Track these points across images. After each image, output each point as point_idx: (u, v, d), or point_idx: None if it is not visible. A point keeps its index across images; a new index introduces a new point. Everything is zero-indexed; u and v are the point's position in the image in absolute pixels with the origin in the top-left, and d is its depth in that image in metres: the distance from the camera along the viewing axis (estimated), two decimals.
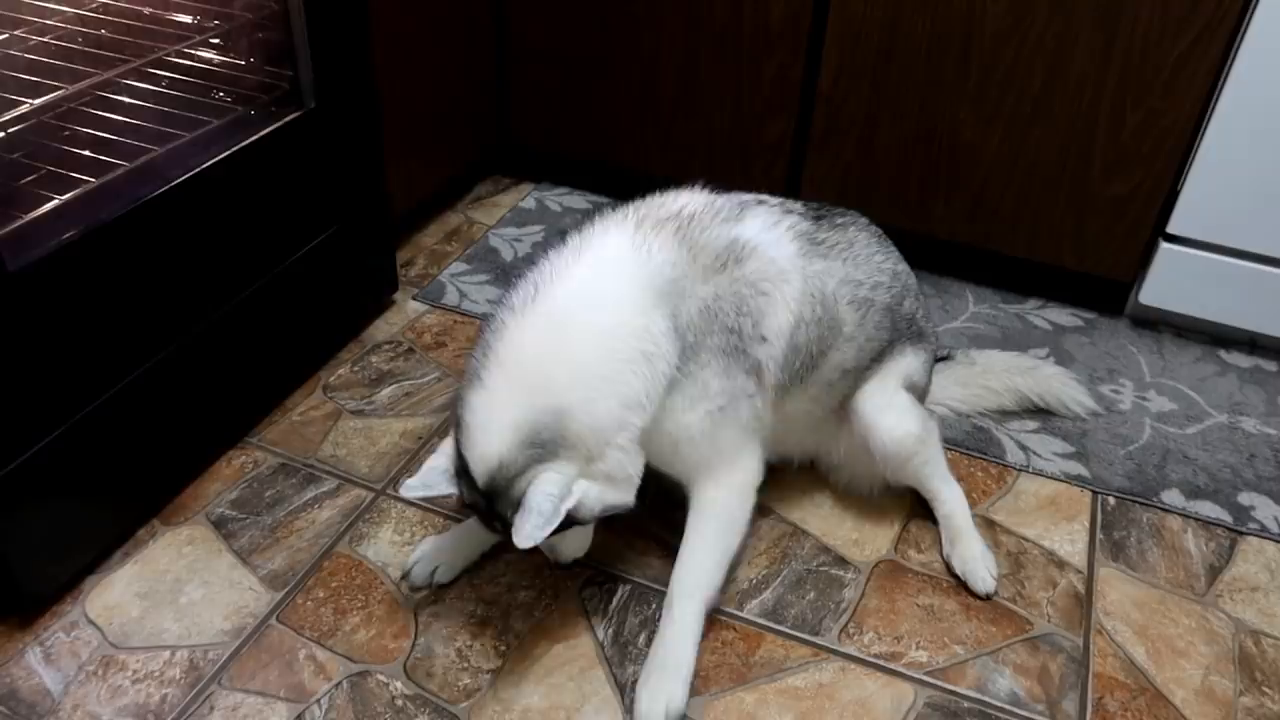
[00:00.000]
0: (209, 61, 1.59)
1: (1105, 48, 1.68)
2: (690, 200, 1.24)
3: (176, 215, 1.34)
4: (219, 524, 1.43)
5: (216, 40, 1.60)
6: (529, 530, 1.05)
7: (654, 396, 1.14)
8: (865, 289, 1.33)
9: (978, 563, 1.40)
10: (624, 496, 1.16)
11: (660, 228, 1.19)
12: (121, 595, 1.32)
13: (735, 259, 1.19)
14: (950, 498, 1.45)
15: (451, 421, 1.15)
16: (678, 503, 1.48)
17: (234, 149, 1.42)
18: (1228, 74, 1.65)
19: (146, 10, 1.59)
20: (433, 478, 1.18)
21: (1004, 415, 1.69)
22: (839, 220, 1.36)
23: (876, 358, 1.38)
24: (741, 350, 1.19)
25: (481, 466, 1.10)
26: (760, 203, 1.30)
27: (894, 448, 1.38)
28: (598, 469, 1.12)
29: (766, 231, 1.24)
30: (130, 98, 1.48)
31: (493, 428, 1.09)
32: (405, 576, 1.35)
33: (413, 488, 1.18)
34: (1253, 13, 1.59)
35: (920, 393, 1.47)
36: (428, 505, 1.47)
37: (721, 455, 1.24)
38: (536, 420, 1.08)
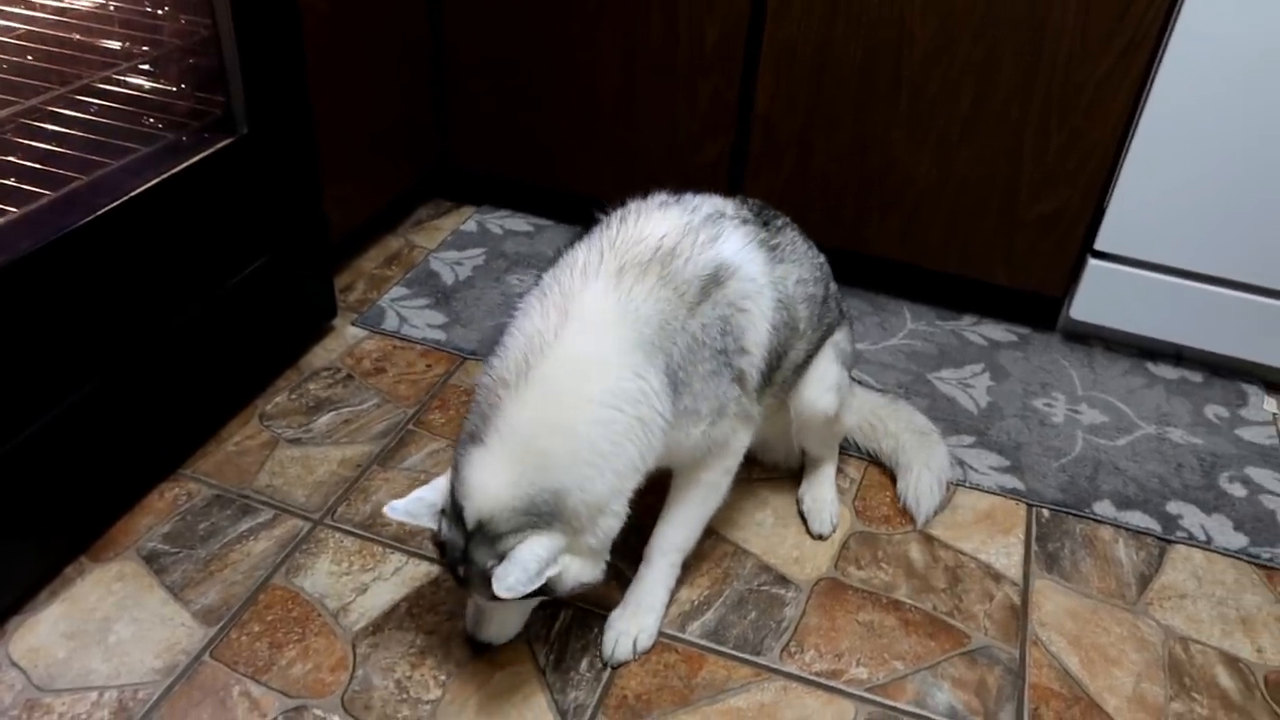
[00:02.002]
0: (138, 88, 1.57)
1: (1029, 69, 1.73)
2: (665, 227, 1.20)
3: (104, 244, 1.31)
4: (150, 559, 1.40)
5: (146, 66, 1.58)
6: (511, 582, 1.05)
7: (649, 456, 1.14)
8: (810, 285, 1.36)
9: (825, 507, 1.53)
10: (596, 572, 1.17)
11: (644, 273, 1.15)
12: (47, 636, 1.28)
13: (717, 283, 1.19)
14: (830, 456, 1.57)
15: (451, 466, 1.15)
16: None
17: (164, 176, 1.40)
18: (1148, 95, 1.71)
19: (74, 37, 1.57)
20: (418, 509, 1.17)
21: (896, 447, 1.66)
22: (778, 222, 1.38)
23: (817, 345, 1.42)
24: (727, 365, 1.20)
25: (474, 515, 1.10)
26: (722, 215, 1.28)
27: (810, 417, 1.44)
28: (584, 542, 1.12)
29: (742, 250, 1.24)
30: (56, 125, 1.45)
31: (490, 489, 1.09)
32: None
33: (396, 510, 1.17)
34: (1170, 36, 1.65)
35: (849, 360, 1.51)
36: (367, 535, 1.46)
37: (714, 445, 1.26)
38: (535, 496, 1.08)
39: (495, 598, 1.09)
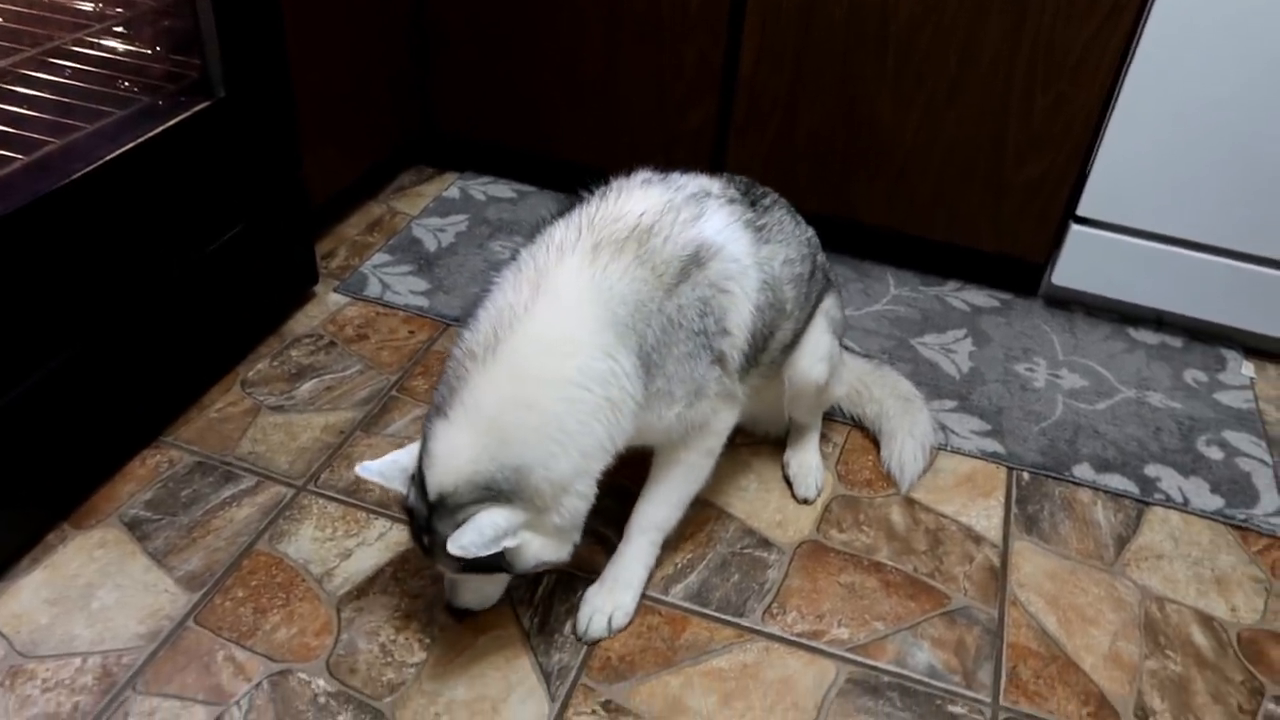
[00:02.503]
0: (112, 50, 1.54)
1: (1015, 31, 1.72)
2: (645, 204, 1.18)
3: (79, 209, 1.30)
4: (133, 526, 1.39)
5: (119, 28, 1.55)
6: (465, 542, 1.04)
7: (618, 437, 1.13)
8: (797, 265, 1.34)
9: (811, 472, 1.54)
10: (561, 553, 1.16)
11: (620, 250, 1.13)
12: (30, 603, 1.28)
13: (698, 263, 1.16)
14: (815, 422, 1.59)
15: (420, 437, 1.14)
16: (603, 491, 1.49)
17: (139, 140, 1.37)
18: (1132, 59, 1.70)
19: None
20: (392, 471, 1.16)
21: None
22: (765, 201, 1.36)
23: (807, 321, 1.41)
24: (706, 347, 1.18)
25: (435, 488, 1.09)
26: (707, 194, 1.26)
27: (802, 387, 1.44)
28: (549, 521, 1.11)
29: (726, 229, 1.21)
30: (27, 88, 1.42)
31: (452, 464, 1.08)
32: None
33: (369, 470, 1.16)
34: (1152, 5, 1.64)
35: (839, 328, 1.50)
36: (350, 500, 1.46)
37: (693, 426, 1.25)
38: (496, 473, 1.07)
39: (458, 568, 1.09)
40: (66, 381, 1.33)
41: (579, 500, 1.13)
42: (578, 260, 1.12)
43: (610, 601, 1.31)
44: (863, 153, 1.92)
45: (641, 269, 1.13)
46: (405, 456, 1.17)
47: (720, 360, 1.22)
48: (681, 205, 1.20)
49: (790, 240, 1.34)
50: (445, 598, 1.30)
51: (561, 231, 1.17)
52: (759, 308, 1.24)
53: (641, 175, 1.26)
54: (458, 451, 1.08)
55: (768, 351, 1.32)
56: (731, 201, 1.27)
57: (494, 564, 1.10)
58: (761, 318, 1.25)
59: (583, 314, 1.10)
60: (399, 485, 1.16)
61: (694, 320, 1.16)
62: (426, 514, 1.11)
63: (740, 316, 1.22)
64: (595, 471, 1.13)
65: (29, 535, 1.35)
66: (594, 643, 1.30)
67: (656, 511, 1.32)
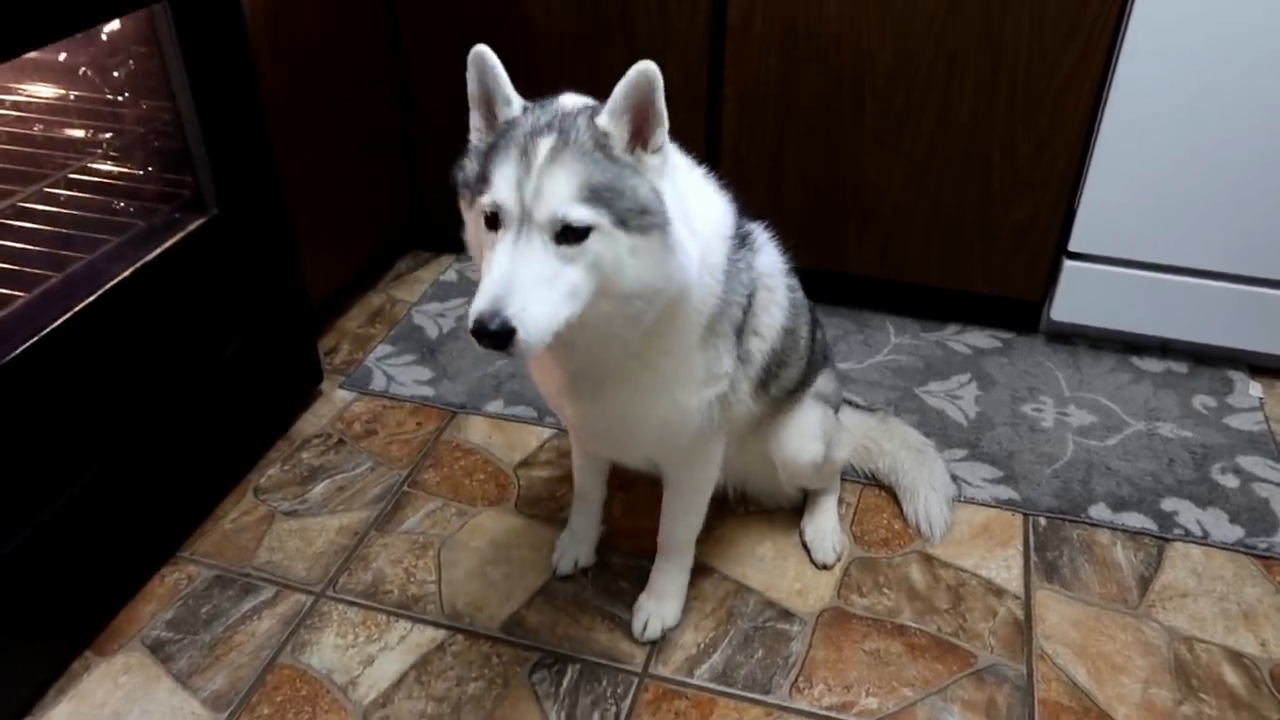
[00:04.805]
0: (106, 174, 1.57)
1: (990, 82, 1.74)
2: None
3: (84, 339, 1.32)
4: (155, 648, 1.40)
5: (113, 153, 1.58)
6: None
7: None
8: (809, 313, 1.40)
9: (827, 536, 1.54)
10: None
11: None
12: None
13: (751, 249, 1.20)
14: (829, 487, 1.59)
15: None
16: (619, 572, 1.49)
17: (139, 264, 1.40)
18: (1106, 99, 1.72)
19: (35, 130, 1.57)
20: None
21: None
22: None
23: (803, 383, 1.42)
24: (740, 331, 1.19)
25: None
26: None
27: (797, 469, 1.45)
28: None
29: (768, 239, 1.27)
30: (26, 221, 1.45)
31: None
32: (555, 573, 1.50)
33: None
34: (1122, 44, 1.67)
35: (833, 400, 1.51)
36: (370, 604, 1.46)
37: (696, 444, 1.25)
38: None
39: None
40: (82, 509, 1.34)
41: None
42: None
43: (660, 607, 1.42)
44: (851, 208, 1.94)
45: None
46: None
47: (746, 360, 1.22)
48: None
49: (798, 287, 1.37)
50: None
51: None
52: (784, 327, 1.27)
53: None
54: None
55: (778, 381, 1.33)
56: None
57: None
58: (783, 339, 1.27)
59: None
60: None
61: (741, 296, 1.16)
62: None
63: (770, 321, 1.24)
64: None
65: (54, 666, 1.36)
66: (653, 642, 1.40)
67: (681, 533, 1.39)
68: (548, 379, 1.22)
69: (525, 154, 0.95)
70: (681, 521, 1.39)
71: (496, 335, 0.90)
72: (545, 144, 0.95)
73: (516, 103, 1.03)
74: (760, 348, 1.23)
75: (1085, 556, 1.54)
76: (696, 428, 1.19)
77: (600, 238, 0.94)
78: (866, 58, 1.78)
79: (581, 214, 0.93)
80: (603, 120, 0.96)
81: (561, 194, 0.93)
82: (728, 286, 1.13)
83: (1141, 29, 1.65)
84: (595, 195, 0.93)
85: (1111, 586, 1.49)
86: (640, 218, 0.95)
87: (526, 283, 0.92)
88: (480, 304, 0.91)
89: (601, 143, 0.96)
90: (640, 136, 0.97)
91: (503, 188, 0.95)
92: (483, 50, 1.02)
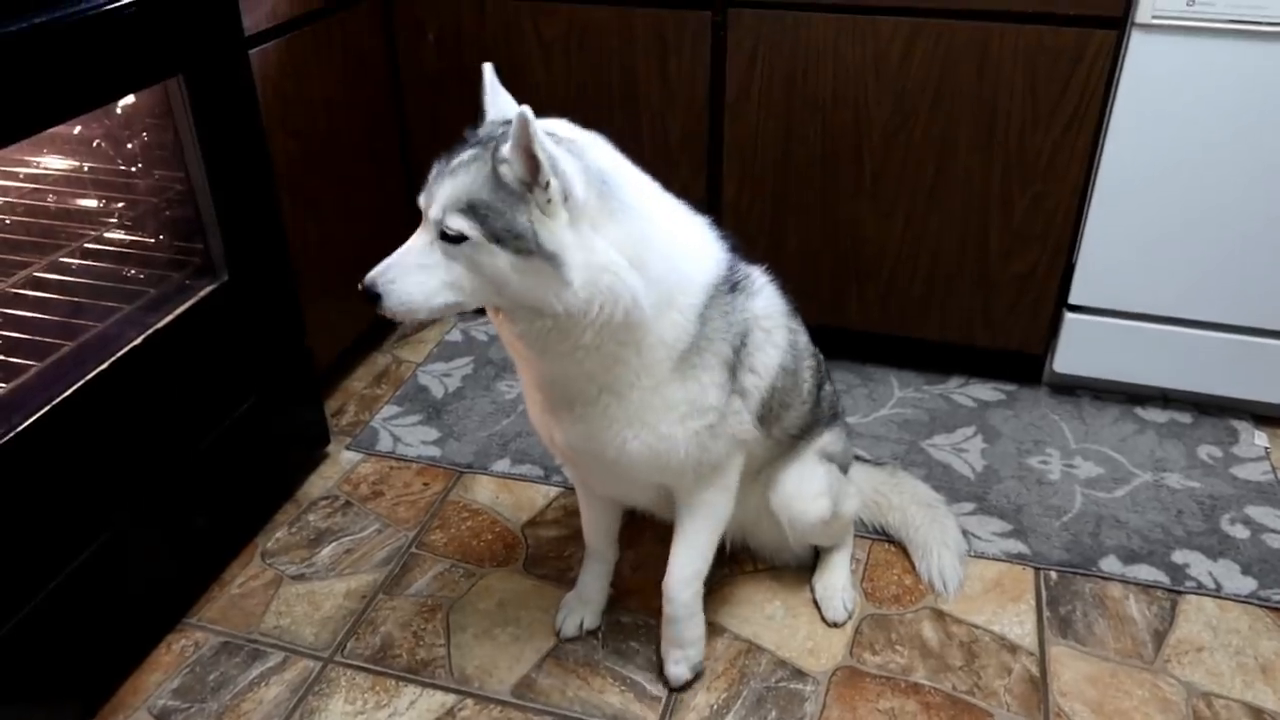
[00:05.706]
0: (119, 243, 1.59)
1: (985, 138, 1.78)
2: None
3: (94, 408, 1.32)
4: (162, 717, 1.38)
5: (126, 223, 1.61)
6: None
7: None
8: (813, 358, 1.41)
9: (837, 593, 1.53)
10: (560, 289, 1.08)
11: None
12: None
13: (746, 292, 1.23)
14: (841, 543, 1.58)
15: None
16: (629, 632, 1.48)
17: (149, 331, 1.41)
18: (1101, 153, 1.75)
19: (49, 202, 1.60)
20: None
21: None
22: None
23: (806, 431, 1.42)
24: (734, 369, 1.21)
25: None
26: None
27: (805, 528, 1.45)
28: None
29: (768, 282, 1.29)
30: (39, 291, 1.47)
31: None
32: (558, 634, 1.50)
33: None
34: (1114, 101, 1.70)
35: (841, 458, 1.51)
36: (378, 669, 1.45)
37: (710, 468, 1.26)
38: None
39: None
40: (88, 577, 1.33)
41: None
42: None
43: (683, 653, 1.41)
44: (851, 264, 1.96)
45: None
46: None
47: (743, 395, 1.24)
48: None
49: (802, 332, 1.39)
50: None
51: None
52: (783, 368, 1.28)
53: None
54: None
55: (780, 424, 1.34)
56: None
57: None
58: (782, 379, 1.29)
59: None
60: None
61: (735, 337, 1.20)
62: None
63: (767, 360, 1.25)
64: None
65: None
66: (683, 688, 1.40)
67: (692, 565, 1.37)
68: (532, 402, 1.28)
69: (446, 161, 1.08)
70: (693, 548, 1.35)
71: (367, 295, 1.09)
72: (461, 156, 1.07)
73: (486, 117, 1.15)
74: (757, 384, 1.25)
75: (1098, 610, 1.53)
76: (685, 456, 1.22)
77: (474, 247, 1.05)
78: (864, 119, 1.81)
79: (456, 223, 1.04)
80: (504, 150, 1.03)
81: (444, 201, 1.05)
82: (707, 326, 1.17)
83: (1134, 87, 1.68)
84: (472, 209, 1.03)
85: (1126, 641, 1.48)
86: (516, 241, 1.03)
87: (405, 266, 1.08)
88: (371, 271, 1.10)
89: (498, 168, 1.03)
90: (533, 175, 1.02)
91: (422, 185, 1.10)
92: (485, 67, 1.16)
